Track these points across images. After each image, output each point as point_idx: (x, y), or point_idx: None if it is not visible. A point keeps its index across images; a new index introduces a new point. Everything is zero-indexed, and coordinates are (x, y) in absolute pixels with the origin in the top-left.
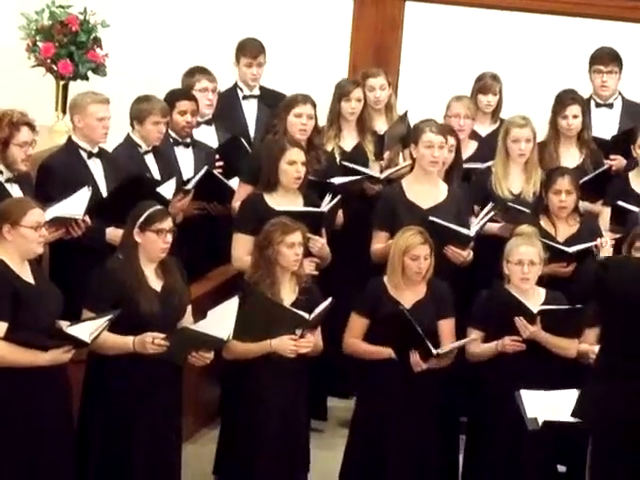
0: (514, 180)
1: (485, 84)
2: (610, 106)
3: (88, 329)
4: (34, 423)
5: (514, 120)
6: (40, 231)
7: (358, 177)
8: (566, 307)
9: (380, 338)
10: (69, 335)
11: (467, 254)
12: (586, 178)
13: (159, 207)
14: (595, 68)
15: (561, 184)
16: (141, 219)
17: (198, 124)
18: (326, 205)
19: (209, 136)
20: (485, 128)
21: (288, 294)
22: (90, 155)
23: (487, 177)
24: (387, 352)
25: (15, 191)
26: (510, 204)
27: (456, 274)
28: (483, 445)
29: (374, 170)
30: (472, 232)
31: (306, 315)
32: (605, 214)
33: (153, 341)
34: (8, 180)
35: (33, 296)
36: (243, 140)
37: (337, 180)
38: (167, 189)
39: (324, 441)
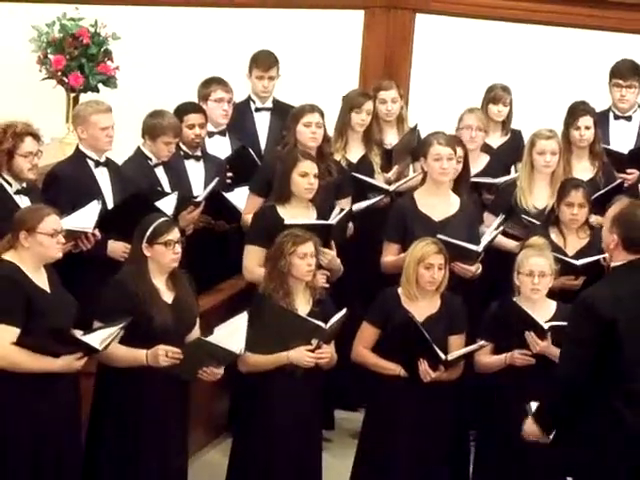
0: (539, 194)
1: (496, 95)
2: (629, 119)
3: (100, 337)
4: (40, 430)
5: (540, 132)
6: (57, 237)
7: (375, 200)
8: None
9: (390, 349)
10: (81, 341)
11: (475, 269)
12: (598, 193)
13: (164, 219)
14: (614, 82)
15: (574, 197)
16: (147, 233)
17: (212, 134)
18: (335, 217)
19: (223, 147)
20: (496, 140)
21: (302, 305)
22: (97, 164)
23: (512, 190)
24: (397, 370)
25: (24, 203)
26: (525, 217)
27: (469, 287)
28: (492, 457)
29: (379, 182)
30: (480, 247)
31: (323, 325)
32: None
33: (167, 354)
34: (18, 192)
35: (47, 303)
36: (251, 150)
37: (355, 207)
38: (167, 204)
39: (333, 451)
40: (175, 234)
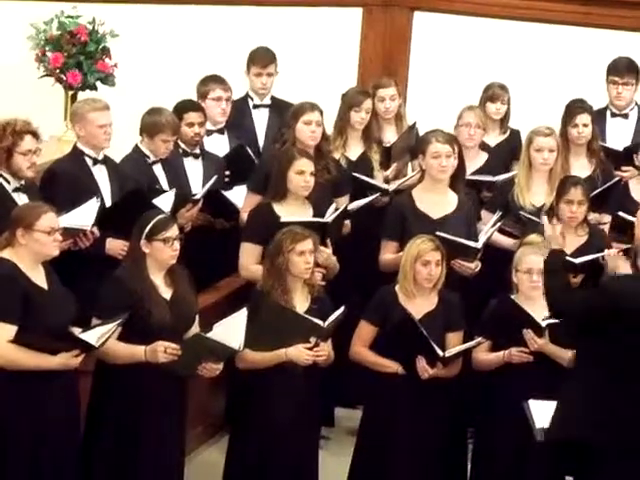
0: (537, 192)
1: (493, 93)
2: (625, 116)
3: (97, 334)
4: (39, 429)
5: (538, 129)
6: (54, 235)
7: (371, 198)
8: None
9: (388, 347)
10: (77, 338)
11: (475, 265)
12: (597, 191)
13: (163, 215)
14: (611, 79)
15: (574, 194)
16: (146, 230)
17: (210, 132)
18: (330, 215)
19: (221, 145)
20: (494, 138)
21: (300, 303)
22: (95, 162)
23: (509, 188)
24: (394, 367)
25: (22, 201)
26: (522, 214)
27: (467, 284)
28: (490, 455)
29: (378, 180)
30: (479, 244)
31: (321, 322)
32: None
33: (165, 350)
34: (16, 190)
35: (44, 300)
36: (249, 149)
37: (352, 205)
38: (164, 201)
39: (332, 448)
40: (174, 231)
